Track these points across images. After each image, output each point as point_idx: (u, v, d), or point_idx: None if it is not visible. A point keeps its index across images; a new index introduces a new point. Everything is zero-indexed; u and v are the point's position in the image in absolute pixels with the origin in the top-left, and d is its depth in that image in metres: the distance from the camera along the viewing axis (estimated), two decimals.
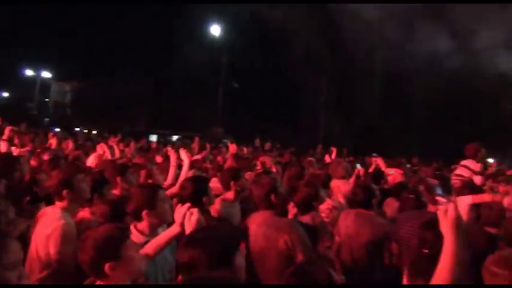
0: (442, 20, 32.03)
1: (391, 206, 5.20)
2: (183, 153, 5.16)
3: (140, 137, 15.80)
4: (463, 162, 6.89)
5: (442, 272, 2.12)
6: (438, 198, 3.66)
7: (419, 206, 4.39)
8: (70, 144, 9.17)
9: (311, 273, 2.11)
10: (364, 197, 4.42)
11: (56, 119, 36.53)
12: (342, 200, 5.31)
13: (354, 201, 4.56)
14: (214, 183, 4.91)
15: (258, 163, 7.61)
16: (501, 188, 6.49)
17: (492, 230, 3.84)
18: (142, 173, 5.52)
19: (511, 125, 33.96)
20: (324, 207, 4.28)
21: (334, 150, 9.22)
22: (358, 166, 7.91)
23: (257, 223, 3.59)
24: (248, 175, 5.67)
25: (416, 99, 34.98)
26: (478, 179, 6.55)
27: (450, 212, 2.19)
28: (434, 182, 3.86)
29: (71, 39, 32.84)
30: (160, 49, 32.42)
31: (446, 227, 2.18)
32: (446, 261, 2.13)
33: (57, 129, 20.02)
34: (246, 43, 29.11)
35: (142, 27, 31.57)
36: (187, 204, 2.79)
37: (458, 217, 2.19)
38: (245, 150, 11.06)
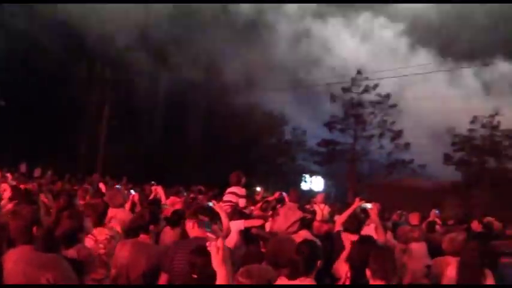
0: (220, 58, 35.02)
1: (168, 234, 5.21)
2: None
3: None
4: (229, 189, 7.43)
5: None
6: (208, 235, 3.88)
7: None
8: None
9: None
10: (144, 223, 4.31)
11: None
12: (119, 229, 5.07)
13: (131, 229, 4.41)
14: None
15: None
16: (256, 211, 7.25)
17: None
18: None
19: (275, 158, 38.70)
20: (101, 237, 4.14)
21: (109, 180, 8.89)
22: (132, 192, 7.83)
23: (13, 260, 3.08)
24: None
25: (193, 129, 36.88)
26: (242, 202, 7.17)
27: (220, 249, 2.48)
28: (204, 218, 4.06)
29: None
30: None
31: (217, 263, 2.48)
32: None
33: None
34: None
35: None
36: None
37: (227, 253, 2.50)
38: (9, 176, 9.78)
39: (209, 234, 3.88)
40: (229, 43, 34.95)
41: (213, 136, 34.93)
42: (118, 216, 5.52)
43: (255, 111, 37.40)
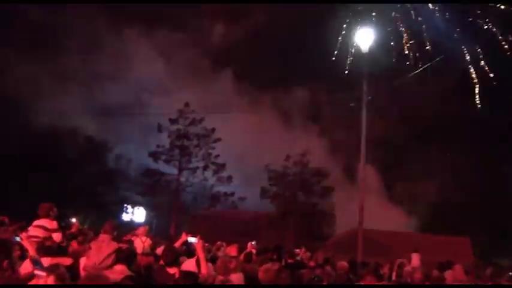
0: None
1: None
2: None
3: None
4: (36, 222, 6.74)
5: None
6: (38, 272, 3.49)
7: None
8: None
9: None
10: None
11: None
12: None
13: None
14: None
15: None
16: (74, 245, 6.68)
17: None
18: None
19: (95, 186, 36.46)
20: None
21: None
22: None
23: None
24: None
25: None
26: (56, 236, 6.53)
27: None
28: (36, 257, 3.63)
29: None
30: None
31: None
32: None
33: None
34: None
35: None
36: None
37: None
38: None
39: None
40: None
41: (24, 160, 31.38)
42: None
43: (75, 136, 35.10)
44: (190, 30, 42.13)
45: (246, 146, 37.62)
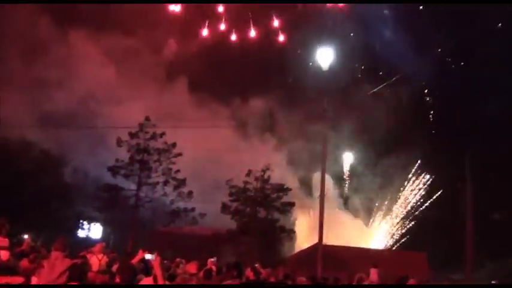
0: None
1: None
2: None
3: None
4: None
5: None
6: None
7: None
8: None
9: None
10: None
11: None
12: None
13: None
14: None
15: None
16: (25, 263, 6.39)
17: None
18: None
19: (49, 201, 35.18)
20: None
21: None
22: None
23: None
24: None
25: None
26: (3, 254, 6.27)
27: None
28: None
29: None
30: None
31: None
32: None
33: None
34: None
35: None
36: None
37: None
38: None
39: None
40: None
41: None
42: None
43: (29, 149, 33.91)
44: (143, 37, 41.32)
45: (206, 160, 37.43)
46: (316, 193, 36.96)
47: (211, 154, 37.91)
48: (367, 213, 43.07)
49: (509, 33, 34.23)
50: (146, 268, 7.36)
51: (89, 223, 36.86)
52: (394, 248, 40.60)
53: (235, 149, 39.79)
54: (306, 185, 42.04)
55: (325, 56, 17.93)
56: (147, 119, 32.89)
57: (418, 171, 41.25)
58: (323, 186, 18.65)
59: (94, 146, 36.70)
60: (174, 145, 33.09)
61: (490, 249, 33.04)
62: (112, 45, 39.62)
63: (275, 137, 44.02)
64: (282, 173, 37.62)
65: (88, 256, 9.20)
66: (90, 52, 38.89)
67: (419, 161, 40.75)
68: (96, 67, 38.90)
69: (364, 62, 43.09)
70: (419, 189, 41.19)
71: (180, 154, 33.27)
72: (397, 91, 38.72)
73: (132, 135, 32.78)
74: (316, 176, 36.11)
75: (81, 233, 36.08)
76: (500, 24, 35.94)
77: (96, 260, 9.09)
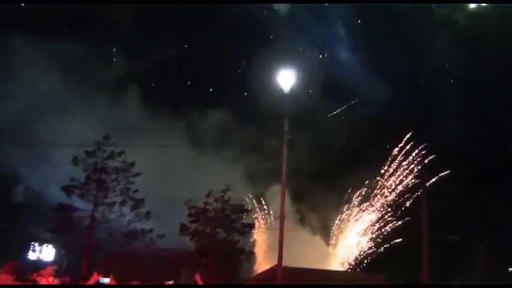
0: None
1: None
2: None
3: None
4: None
5: None
6: None
7: None
8: None
9: None
10: None
11: None
12: None
13: None
14: None
15: None
16: None
17: None
18: None
19: None
20: None
21: None
22: None
23: None
24: None
25: None
26: None
27: None
28: None
29: None
30: None
31: None
32: None
33: None
34: None
35: None
36: None
37: None
38: None
39: None
40: None
41: None
42: None
43: None
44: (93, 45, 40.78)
45: (165, 179, 36.88)
46: (272, 207, 37.34)
47: (168, 172, 37.44)
48: (325, 231, 43.37)
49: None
50: None
51: (40, 245, 35.32)
52: (352, 270, 40.99)
53: (194, 166, 39.57)
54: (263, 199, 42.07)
55: (287, 79, 18.17)
56: (105, 137, 32.12)
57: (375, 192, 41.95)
58: (283, 208, 18.68)
59: (48, 165, 35.48)
60: (132, 164, 32.42)
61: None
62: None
63: (232, 152, 44.28)
64: (241, 193, 37.57)
65: (38, 279, 8.82)
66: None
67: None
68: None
69: (326, 84, 44.08)
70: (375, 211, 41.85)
71: (139, 174, 32.60)
72: (356, 113, 39.85)
73: (89, 154, 31.88)
74: (272, 191, 36.40)
75: (31, 256, 34.48)
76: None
77: (47, 283, 8.72)
